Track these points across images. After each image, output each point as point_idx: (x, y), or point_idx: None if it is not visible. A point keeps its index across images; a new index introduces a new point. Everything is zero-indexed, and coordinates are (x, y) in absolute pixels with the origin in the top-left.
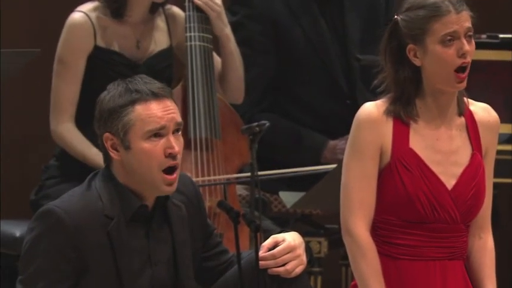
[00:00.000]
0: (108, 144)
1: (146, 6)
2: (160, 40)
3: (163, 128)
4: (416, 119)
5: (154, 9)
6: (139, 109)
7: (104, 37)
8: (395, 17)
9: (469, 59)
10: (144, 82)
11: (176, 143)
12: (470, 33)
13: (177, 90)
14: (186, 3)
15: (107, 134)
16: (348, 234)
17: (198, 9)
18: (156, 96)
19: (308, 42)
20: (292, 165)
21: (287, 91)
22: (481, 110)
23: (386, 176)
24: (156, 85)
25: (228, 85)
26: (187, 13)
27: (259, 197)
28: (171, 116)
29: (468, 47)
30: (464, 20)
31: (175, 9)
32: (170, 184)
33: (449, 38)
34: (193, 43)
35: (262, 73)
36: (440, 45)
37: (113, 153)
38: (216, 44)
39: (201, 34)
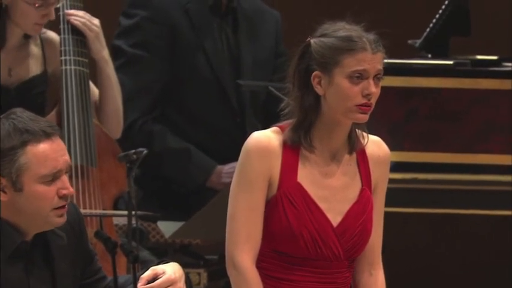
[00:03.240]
0: None
1: (21, 34)
2: (33, 67)
3: (59, 171)
4: (310, 151)
5: (28, 34)
6: (33, 150)
7: None
8: (308, 39)
9: (372, 101)
10: (31, 120)
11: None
12: (380, 76)
13: (52, 116)
14: (61, 26)
15: None
16: (234, 267)
17: (73, 32)
18: (48, 136)
19: (205, 56)
20: (179, 185)
21: (179, 102)
22: (371, 144)
23: (272, 209)
24: (45, 123)
25: (107, 118)
26: (62, 36)
27: (137, 227)
28: (64, 158)
29: (374, 89)
30: (377, 61)
31: (51, 34)
32: (61, 215)
33: (357, 75)
34: (68, 67)
35: (157, 78)
36: (347, 80)
37: None
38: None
39: (77, 58)
